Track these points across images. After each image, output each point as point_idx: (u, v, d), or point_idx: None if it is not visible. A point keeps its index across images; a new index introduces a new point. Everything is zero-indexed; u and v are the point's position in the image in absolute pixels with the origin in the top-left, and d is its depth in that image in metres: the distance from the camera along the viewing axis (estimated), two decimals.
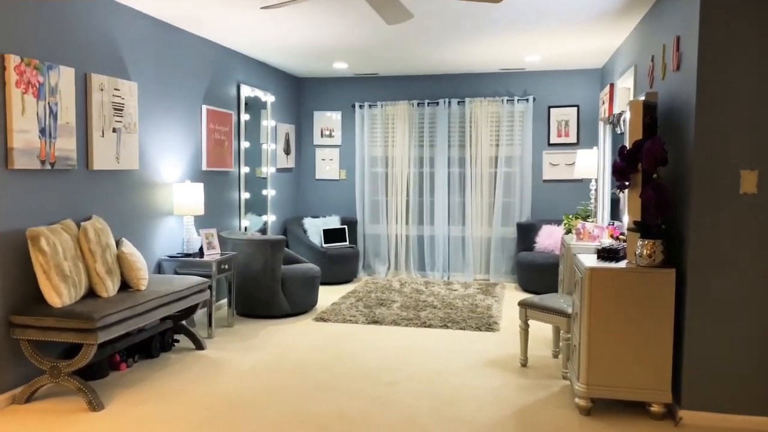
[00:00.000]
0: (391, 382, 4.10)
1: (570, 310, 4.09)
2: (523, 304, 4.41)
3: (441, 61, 6.93)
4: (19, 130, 3.64)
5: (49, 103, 3.87)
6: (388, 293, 6.76)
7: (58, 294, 3.65)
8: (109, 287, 3.98)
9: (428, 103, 7.79)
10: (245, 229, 6.71)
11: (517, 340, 5.02)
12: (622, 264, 3.60)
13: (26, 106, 3.70)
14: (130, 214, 4.78)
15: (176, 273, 5.22)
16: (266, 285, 5.63)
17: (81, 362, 3.58)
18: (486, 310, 6.04)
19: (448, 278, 7.81)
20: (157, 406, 3.68)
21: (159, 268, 5.15)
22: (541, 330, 5.39)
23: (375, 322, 5.57)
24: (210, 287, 5.07)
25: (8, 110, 3.59)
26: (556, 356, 4.67)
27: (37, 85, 3.78)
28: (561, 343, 4.19)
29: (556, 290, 6.40)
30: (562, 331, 4.14)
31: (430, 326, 5.47)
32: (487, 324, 5.51)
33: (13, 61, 3.59)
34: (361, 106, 8.01)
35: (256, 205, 7.08)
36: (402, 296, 6.61)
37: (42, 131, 3.82)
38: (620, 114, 4.82)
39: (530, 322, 4.56)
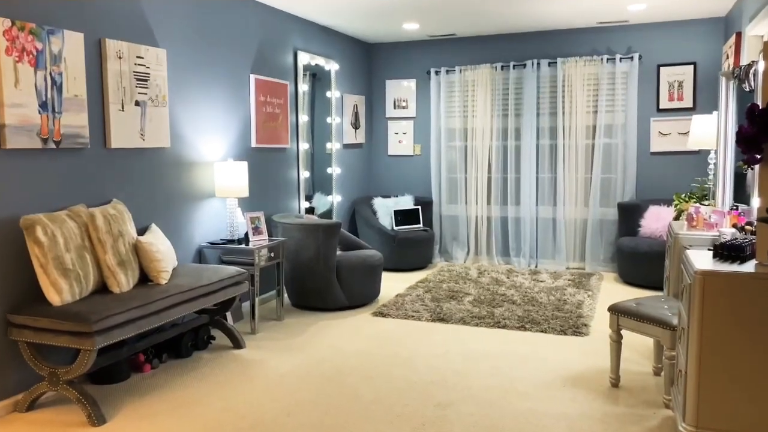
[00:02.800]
0: (443, 403, 3.36)
1: (676, 321, 3.16)
2: (615, 311, 3.51)
3: (527, 16, 5.97)
4: (11, 104, 3.20)
5: (51, 73, 3.41)
6: (462, 283, 5.98)
7: (57, 291, 3.20)
8: (122, 281, 3.51)
9: (513, 65, 6.83)
10: (308, 210, 6.15)
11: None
12: (749, 266, 2.64)
13: (20, 77, 3.24)
14: (162, 197, 4.30)
15: (221, 261, 4.74)
16: (319, 274, 5.03)
17: (79, 370, 3.13)
18: (575, 307, 5.12)
19: (536, 266, 6.89)
20: (165, 421, 3.17)
21: (200, 256, 4.67)
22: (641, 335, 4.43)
23: (440, 320, 4.83)
24: (252, 277, 4.54)
25: (0, 82, 3.15)
26: (657, 373, 3.74)
27: (35, 53, 3.31)
28: (664, 360, 3.26)
29: (662, 284, 5.36)
30: (665, 347, 3.22)
31: (504, 327, 4.66)
32: (574, 326, 4.62)
33: (1, 24, 3.13)
34: (437, 72, 7.18)
35: (324, 185, 6.50)
36: (477, 288, 5.80)
37: (43, 105, 3.37)
38: (749, 65, 3.73)
39: (624, 332, 3.65)
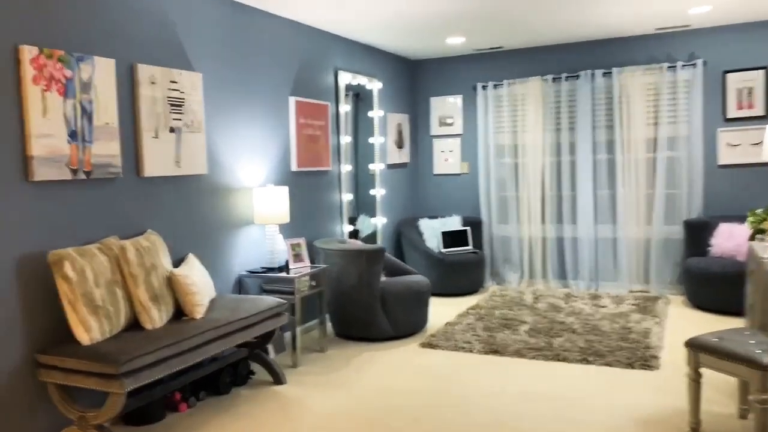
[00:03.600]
0: None
1: (766, 360, 2.76)
2: (693, 347, 3.11)
3: (580, 25, 5.63)
4: (39, 135, 3.07)
5: (80, 101, 3.28)
6: (516, 310, 5.61)
7: (86, 329, 3.03)
8: (155, 317, 3.33)
9: (566, 77, 6.47)
10: (351, 234, 5.92)
11: (684, 384, 3.70)
12: None
13: (49, 106, 3.12)
14: (200, 225, 4.14)
15: (262, 290, 4.53)
16: (363, 303, 4.77)
17: (108, 414, 2.94)
18: (642, 336, 4.70)
19: (596, 290, 6.45)
20: None
21: (239, 286, 4.48)
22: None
23: (494, 352, 4.49)
24: (293, 307, 4.32)
25: (25, 112, 3.02)
26: (744, 416, 3.31)
27: (63, 81, 3.19)
28: (753, 402, 2.85)
29: (739, 307, 4.87)
30: (753, 389, 2.81)
31: (564, 360, 4.28)
32: (642, 358, 4.20)
33: (28, 53, 3.02)
34: (484, 87, 6.88)
35: (368, 207, 6.27)
36: (534, 315, 5.43)
37: (72, 135, 3.24)
38: None
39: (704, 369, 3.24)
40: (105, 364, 2.86)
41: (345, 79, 5.72)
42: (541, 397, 3.67)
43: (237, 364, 4.04)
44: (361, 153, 6.19)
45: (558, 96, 6.55)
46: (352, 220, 6.05)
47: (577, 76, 6.42)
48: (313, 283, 4.55)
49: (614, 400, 3.60)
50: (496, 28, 5.70)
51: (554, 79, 6.53)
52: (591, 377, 3.96)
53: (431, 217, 6.91)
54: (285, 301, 3.97)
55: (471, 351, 4.54)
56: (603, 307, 5.64)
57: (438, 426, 3.33)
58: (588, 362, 4.21)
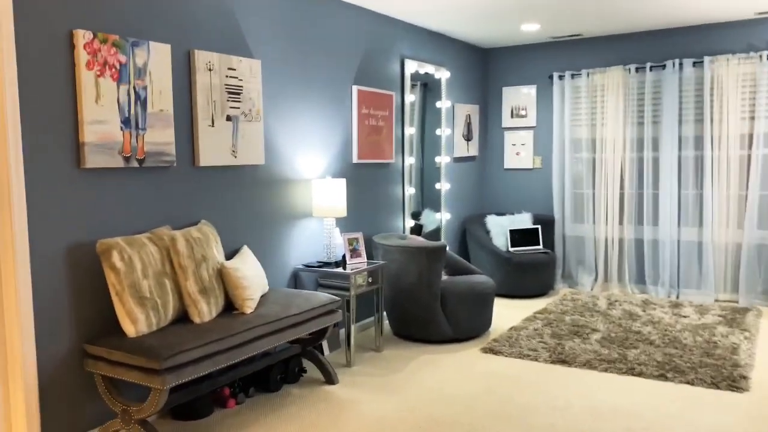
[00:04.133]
0: None
1: None
2: None
3: (667, 10, 5.16)
4: (92, 121, 3.02)
5: (134, 87, 3.21)
6: (588, 316, 5.24)
7: (132, 320, 2.97)
8: (203, 310, 3.23)
9: (651, 67, 5.99)
10: (414, 229, 5.71)
11: None
12: None
13: (102, 92, 3.06)
14: (256, 217, 4.03)
15: (318, 285, 4.39)
16: (422, 302, 4.55)
17: (151, 409, 2.86)
18: (729, 353, 4.25)
19: (677, 297, 5.97)
20: None
21: (295, 280, 4.36)
22: None
23: (561, 362, 4.17)
24: (347, 304, 4.15)
25: (79, 98, 2.97)
26: None
27: (118, 66, 3.13)
28: None
29: None
30: None
31: (640, 374, 3.91)
32: (729, 378, 3.79)
33: (82, 37, 2.96)
34: (560, 77, 6.48)
35: (433, 202, 6.04)
36: (607, 322, 5.05)
37: (125, 121, 3.18)
38: None
39: None
40: (148, 358, 2.77)
41: (411, 67, 5.49)
42: (612, 415, 3.34)
43: (288, 361, 3.91)
44: (428, 145, 5.95)
45: (641, 87, 6.07)
46: (416, 215, 5.83)
47: (663, 66, 5.93)
48: (370, 280, 4.37)
49: (695, 423, 3.23)
50: (575, 14, 5.32)
51: (637, 69, 6.06)
52: (669, 396, 3.59)
53: (499, 214, 6.59)
54: (338, 299, 3.81)
55: (536, 359, 4.23)
56: (685, 317, 5.18)
57: None
58: (666, 379, 3.83)
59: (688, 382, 3.77)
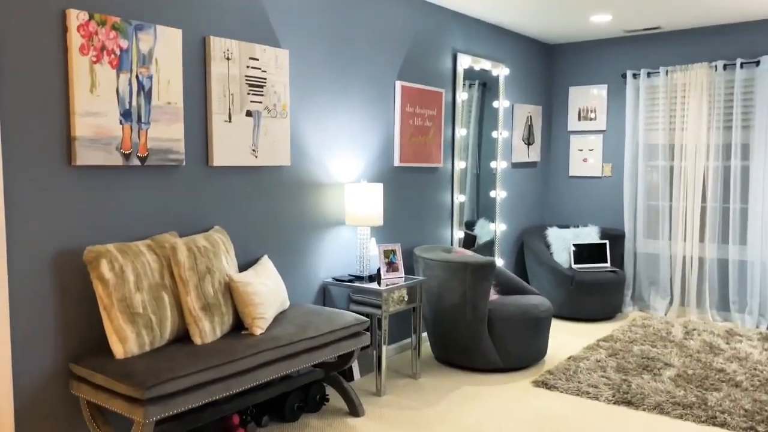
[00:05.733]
0: None
1: None
2: None
3: None
4: (84, 113, 2.68)
5: (137, 75, 2.87)
6: (660, 347, 4.56)
7: (121, 339, 2.61)
8: (205, 330, 2.84)
9: (741, 63, 5.24)
10: (466, 241, 5.18)
11: None
12: None
13: (98, 81, 2.72)
14: (279, 224, 3.63)
15: (351, 301, 3.95)
16: (466, 325, 4.03)
17: None
18: None
19: None
20: None
21: (323, 294, 3.93)
22: None
23: (626, 403, 3.55)
24: (378, 324, 3.69)
25: (70, 86, 2.65)
26: None
27: (118, 52, 2.79)
28: None
29: None
30: None
31: (723, 425, 3.25)
32: None
33: (76, 18, 2.63)
34: (635, 75, 5.80)
35: (488, 211, 5.50)
36: (683, 356, 4.36)
37: (125, 114, 2.83)
38: None
39: None
40: (129, 385, 2.39)
41: (465, 63, 4.98)
42: None
43: (309, 387, 3.48)
44: (485, 149, 5.41)
45: (730, 86, 5.33)
46: (470, 225, 5.30)
47: (757, 63, 5.16)
48: (406, 297, 3.89)
49: None
50: (653, 3, 4.67)
51: (726, 66, 5.32)
52: None
53: (562, 227, 5.97)
54: (366, 319, 3.34)
55: (597, 398, 3.63)
56: None
57: None
58: None
59: None
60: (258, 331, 2.98)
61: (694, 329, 5.03)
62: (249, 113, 3.38)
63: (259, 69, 3.42)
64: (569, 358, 4.32)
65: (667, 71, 5.59)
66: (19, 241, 2.53)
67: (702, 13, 4.98)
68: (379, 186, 3.88)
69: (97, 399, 2.55)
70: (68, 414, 2.72)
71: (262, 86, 3.44)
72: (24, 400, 2.57)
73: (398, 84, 4.38)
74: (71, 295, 2.71)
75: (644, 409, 3.47)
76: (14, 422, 2.55)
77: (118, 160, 2.82)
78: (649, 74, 5.71)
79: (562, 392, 3.74)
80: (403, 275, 3.98)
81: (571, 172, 6.28)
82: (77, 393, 2.64)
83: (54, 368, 2.66)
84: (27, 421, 2.59)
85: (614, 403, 3.56)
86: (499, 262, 5.56)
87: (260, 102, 3.43)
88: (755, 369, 4.07)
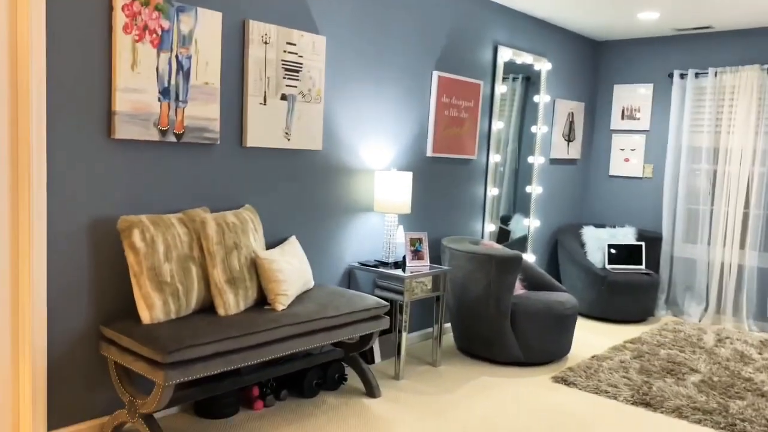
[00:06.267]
0: None
1: None
2: None
3: None
4: (125, 89, 2.82)
5: (177, 55, 2.99)
6: (689, 352, 4.49)
7: (148, 306, 2.74)
8: (229, 302, 2.96)
9: None
10: (500, 235, 5.19)
11: None
12: None
13: (139, 58, 2.86)
14: (308, 206, 3.72)
15: (376, 286, 4.02)
16: (488, 318, 4.05)
17: (153, 405, 2.61)
18: None
19: None
20: None
21: (349, 278, 4.02)
22: None
23: (645, 404, 3.52)
24: (400, 310, 3.75)
25: (113, 63, 2.78)
26: None
27: (159, 32, 2.91)
28: None
29: None
30: None
31: None
32: None
33: None
34: (682, 76, 5.66)
35: (524, 206, 5.48)
36: (711, 362, 4.28)
37: (164, 92, 2.96)
38: None
39: None
40: (152, 349, 2.53)
41: (505, 55, 4.96)
42: None
43: (329, 366, 3.58)
44: (525, 144, 5.39)
45: None
46: (505, 220, 5.30)
47: None
48: (429, 286, 3.93)
49: None
50: (702, 2, 4.55)
51: None
52: None
53: (598, 226, 5.89)
54: (386, 303, 3.41)
55: (615, 397, 3.61)
56: None
57: None
58: None
59: None
60: (279, 307, 3.09)
61: (727, 337, 4.91)
62: (284, 97, 3.48)
63: (296, 54, 3.51)
64: (593, 357, 4.30)
65: (716, 72, 5.44)
66: (59, 207, 2.69)
67: (756, 13, 4.83)
68: (409, 174, 3.94)
69: (123, 360, 2.70)
70: (97, 373, 2.89)
71: (297, 71, 3.53)
72: (57, 357, 2.74)
73: (435, 74, 4.41)
74: (104, 261, 2.86)
75: (662, 412, 3.44)
76: (47, 377, 2.72)
77: (155, 136, 2.95)
78: (697, 75, 5.57)
79: (580, 389, 3.73)
80: (428, 264, 4.03)
81: (612, 172, 6.19)
82: (106, 354, 2.79)
83: (85, 329, 2.83)
84: (58, 377, 2.76)
85: (632, 404, 3.54)
86: (531, 258, 5.54)
87: (295, 86, 3.52)
88: None
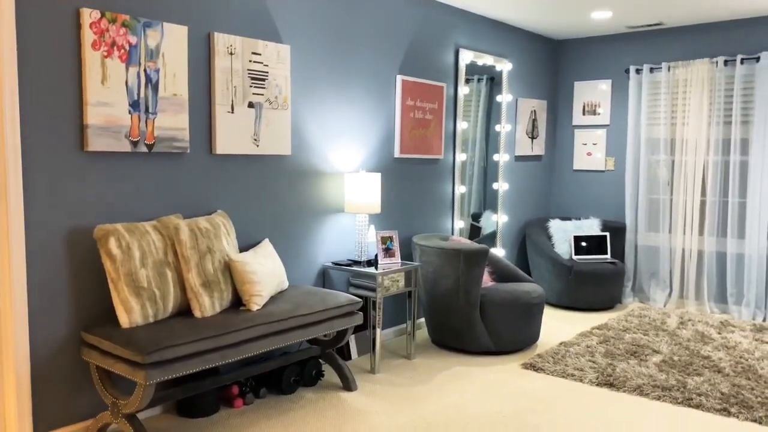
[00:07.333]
0: None
1: None
2: None
3: None
4: (96, 103, 2.93)
5: (145, 69, 3.11)
6: (652, 335, 4.69)
7: (127, 310, 2.85)
8: (205, 304, 3.08)
9: (742, 60, 5.31)
10: (471, 231, 5.37)
11: None
12: None
13: (109, 73, 2.97)
14: (280, 210, 3.85)
15: (350, 285, 4.16)
16: (459, 310, 4.21)
17: (135, 405, 2.72)
18: None
19: (764, 320, 5.26)
20: None
21: (323, 278, 4.15)
22: None
23: (608, 385, 3.70)
24: (374, 306, 3.90)
25: (83, 78, 2.89)
26: None
27: (127, 47, 3.03)
28: None
29: None
30: None
31: (698, 406, 3.39)
32: None
33: (88, 16, 2.88)
34: (638, 71, 5.90)
35: (494, 203, 5.67)
36: (672, 344, 4.49)
37: (134, 104, 3.07)
38: None
39: None
40: (132, 351, 2.64)
41: (467, 58, 5.14)
42: None
43: (306, 363, 3.70)
44: (492, 143, 5.58)
45: (730, 82, 5.40)
46: (476, 217, 5.48)
47: (757, 59, 5.24)
48: (403, 282, 4.08)
49: None
50: (651, 1, 4.79)
51: (726, 62, 5.39)
52: None
53: (564, 219, 6.10)
54: (359, 300, 3.55)
55: (581, 380, 3.79)
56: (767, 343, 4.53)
57: None
58: (729, 414, 3.29)
59: (755, 420, 3.22)
60: (254, 307, 3.21)
61: (689, 320, 5.13)
62: (251, 105, 3.61)
63: (261, 63, 3.64)
64: (561, 343, 4.48)
65: (669, 67, 5.68)
66: (36, 219, 2.79)
67: (704, 9, 5.07)
68: (378, 176, 4.08)
69: (104, 364, 2.80)
70: (79, 377, 2.99)
71: (263, 79, 3.66)
72: (40, 364, 2.84)
73: (399, 78, 4.57)
74: (83, 270, 2.97)
75: (624, 391, 3.62)
76: (30, 384, 2.82)
77: (126, 147, 3.07)
78: (651, 69, 5.81)
79: (548, 374, 3.91)
80: (400, 261, 4.18)
81: (576, 166, 6.40)
82: (87, 358, 2.89)
83: (67, 336, 2.92)
84: (42, 383, 2.85)
85: (596, 385, 3.72)
86: (501, 252, 5.72)
87: (262, 94, 3.66)
88: (741, 357, 4.18)
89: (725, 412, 3.32)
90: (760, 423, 3.19)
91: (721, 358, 4.16)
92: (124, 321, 2.86)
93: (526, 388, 3.69)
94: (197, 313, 3.07)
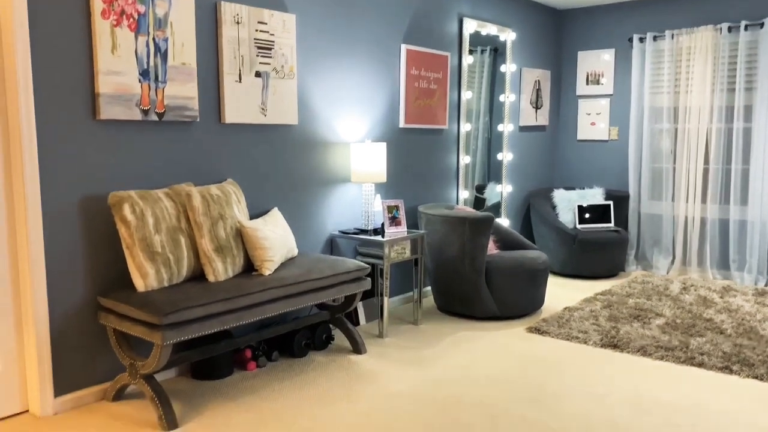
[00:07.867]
0: None
1: None
2: None
3: None
4: (107, 72, 2.97)
5: (154, 38, 3.14)
6: (655, 300, 4.76)
7: (142, 275, 2.92)
8: (218, 269, 3.15)
9: (746, 26, 5.31)
10: (476, 201, 5.42)
11: None
12: None
13: (118, 42, 3.01)
14: (288, 179, 3.91)
15: (357, 253, 4.23)
16: (465, 277, 4.28)
17: (153, 365, 2.80)
18: None
19: (766, 284, 5.33)
20: None
21: (331, 246, 4.22)
22: None
23: (612, 346, 3.78)
24: (382, 272, 3.96)
25: (94, 47, 2.93)
26: None
27: (136, 16, 3.06)
28: None
29: None
30: None
31: (700, 365, 3.47)
32: None
33: None
34: (641, 39, 5.89)
35: (498, 174, 5.71)
36: (675, 308, 4.56)
37: (144, 73, 3.11)
38: None
39: None
40: (149, 313, 2.71)
41: (470, 27, 5.15)
42: (658, 408, 2.96)
43: (316, 327, 3.79)
44: (497, 113, 5.61)
45: (734, 49, 5.41)
46: (481, 189, 5.52)
47: (761, 24, 5.24)
48: (407, 250, 4.15)
49: (758, 422, 2.80)
50: None
51: (730, 29, 5.39)
52: (730, 391, 3.15)
53: (568, 188, 6.15)
54: (367, 266, 3.62)
55: (585, 342, 3.87)
56: None
57: (515, 428, 2.80)
58: (730, 371, 3.37)
59: (755, 377, 3.30)
60: (266, 272, 3.28)
61: (692, 285, 5.20)
62: (258, 74, 3.64)
63: (267, 32, 3.66)
64: (565, 308, 4.56)
65: (672, 35, 5.68)
66: (51, 187, 2.85)
67: None
68: (383, 145, 4.12)
69: (121, 327, 2.88)
70: (97, 341, 3.07)
71: (270, 49, 3.69)
72: (59, 329, 2.92)
73: (404, 47, 4.59)
74: (98, 236, 3.03)
75: (628, 352, 3.70)
76: (50, 348, 2.90)
77: (137, 115, 3.11)
78: (655, 38, 5.81)
79: (552, 337, 3.99)
80: (406, 229, 4.24)
81: (579, 136, 6.43)
82: (104, 322, 2.97)
83: (84, 301, 3.00)
84: (61, 347, 2.94)
85: (600, 347, 3.80)
86: (505, 222, 5.78)
87: (269, 64, 3.69)
88: (743, 319, 4.25)
89: (727, 369, 3.39)
90: (761, 379, 3.27)
91: (723, 320, 4.23)
92: (139, 285, 2.93)
93: (532, 350, 3.77)
94: (211, 278, 3.14)
